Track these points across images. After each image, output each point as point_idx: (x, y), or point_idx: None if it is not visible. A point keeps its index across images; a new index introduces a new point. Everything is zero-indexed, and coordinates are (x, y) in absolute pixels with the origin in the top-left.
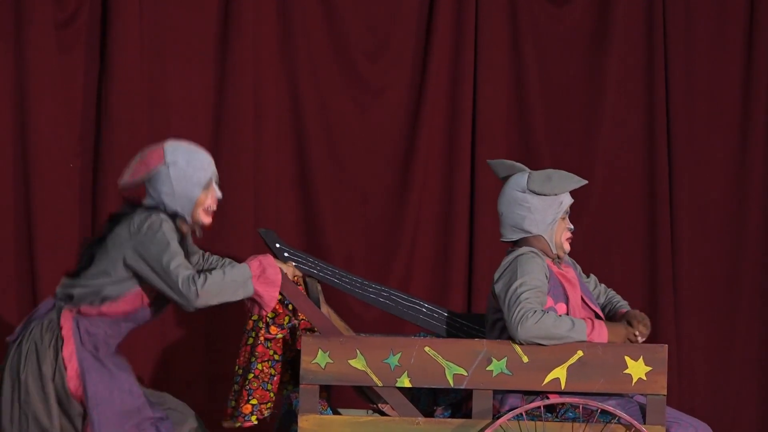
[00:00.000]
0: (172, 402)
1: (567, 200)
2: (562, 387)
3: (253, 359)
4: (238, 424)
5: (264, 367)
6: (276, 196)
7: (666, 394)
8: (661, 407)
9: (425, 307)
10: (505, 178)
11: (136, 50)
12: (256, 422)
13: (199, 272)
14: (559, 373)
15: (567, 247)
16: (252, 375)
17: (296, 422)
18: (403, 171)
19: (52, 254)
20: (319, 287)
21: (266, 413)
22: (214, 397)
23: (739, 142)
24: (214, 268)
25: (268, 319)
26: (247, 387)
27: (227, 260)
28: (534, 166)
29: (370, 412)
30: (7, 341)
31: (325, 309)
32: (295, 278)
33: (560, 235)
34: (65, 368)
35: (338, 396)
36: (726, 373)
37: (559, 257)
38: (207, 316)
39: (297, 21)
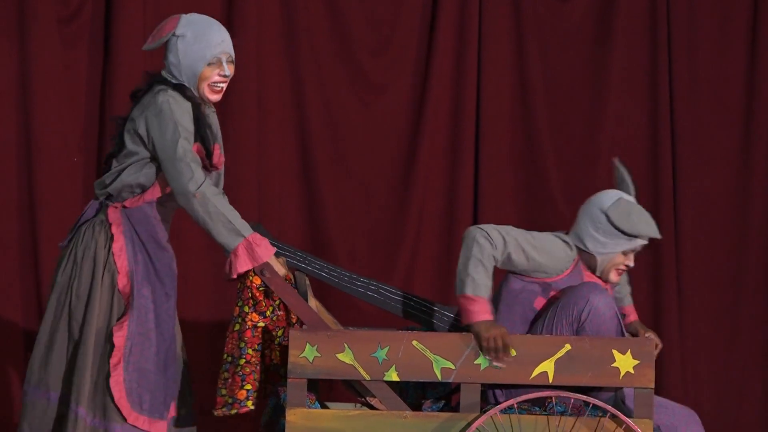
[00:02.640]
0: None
1: (639, 242)
2: (550, 380)
3: (243, 344)
4: (234, 411)
5: (254, 352)
6: (279, 192)
7: (654, 387)
8: (648, 400)
9: (413, 301)
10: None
11: (139, 46)
12: (252, 407)
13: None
14: (547, 366)
15: (613, 278)
16: (243, 360)
17: (284, 416)
18: (406, 167)
19: (55, 248)
20: (308, 281)
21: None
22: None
23: (743, 138)
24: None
25: (252, 304)
26: (240, 373)
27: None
28: (537, 161)
29: (359, 405)
30: (60, 247)
31: (312, 303)
32: (287, 276)
33: (612, 264)
34: (116, 267)
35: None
36: (730, 370)
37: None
38: (211, 308)
39: (300, 16)
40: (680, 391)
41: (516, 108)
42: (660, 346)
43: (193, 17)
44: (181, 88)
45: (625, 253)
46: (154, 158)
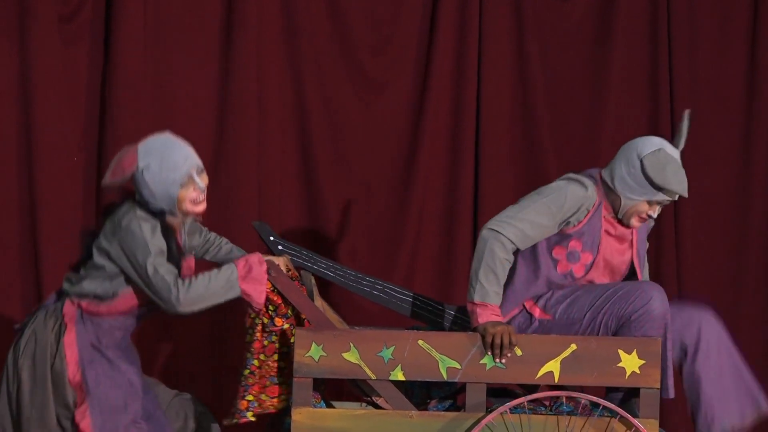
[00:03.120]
0: (167, 396)
1: (664, 196)
2: (556, 380)
3: (249, 355)
4: (235, 421)
5: (265, 362)
6: (279, 191)
7: (659, 387)
8: (654, 400)
9: (419, 300)
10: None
11: (140, 45)
12: (253, 419)
13: (184, 278)
14: (553, 366)
15: (635, 223)
16: (248, 371)
17: (290, 415)
18: (406, 166)
19: (55, 248)
20: (314, 280)
21: (269, 409)
22: (220, 390)
23: (743, 138)
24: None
25: (271, 312)
26: (243, 383)
27: (224, 240)
28: (538, 161)
29: (365, 405)
30: (15, 329)
31: (319, 302)
32: (291, 273)
33: (636, 211)
34: (65, 354)
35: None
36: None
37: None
38: (211, 308)
39: (300, 14)
40: (679, 389)
41: (516, 108)
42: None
43: (149, 144)
44: (154, 213)
45: (650, 203)
46: (118, 276)
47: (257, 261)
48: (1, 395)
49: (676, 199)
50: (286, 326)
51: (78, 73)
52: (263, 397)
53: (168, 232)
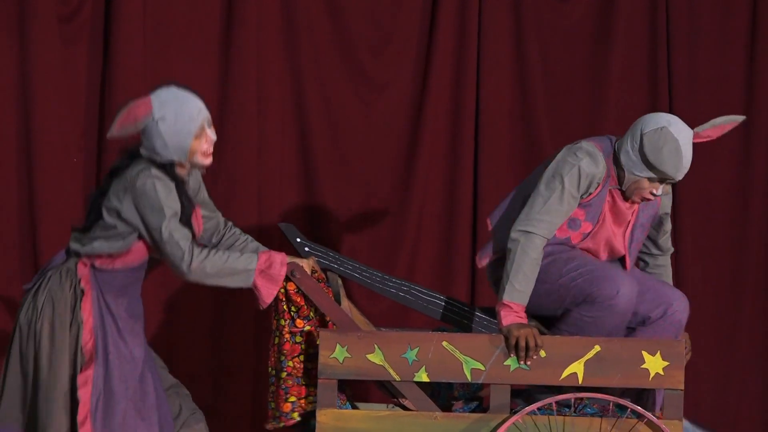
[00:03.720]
0: (167, 381)
1: (662, 176)
2: (580, 382)
3: (283, 358)
4: (282, 424)
5: (295, 363)
6: (280, 191)
7: (683, 388)
8: (678, 402)
9: (446, 302)
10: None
11: (140, 45)
12: (299, 419)
13: (204, 247)
14: (577, 368)
15: (636, 199)
16: (285, 374)
17: (315, 417)
18: (406, 165)
19: (56, 248)
20: (340, 282)
21: (309, 408)
22: (219, 390)
23: (743, 137)
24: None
25: (292, 313)
26: (283, 386)
27: (249, 238)
28: (537, 160)
29: (390, 406)
30: (24, 288)
31: (345, 303)
32: (317, 275)
33: (637, 187)
34: (82, 320)
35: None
36: (729, 369)
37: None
38: (212, 308)
39: (300, 15)
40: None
41: (516, 108)
42: (690, 350)
43: (163, 95)
44: (164, 167)
45: (650, 181)
46: (131, 234)
47: (280, 261)
48: (12, 356)
49: (675, 180)
50: (307, 328)
51: (78, 74)
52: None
53: (180, 187)
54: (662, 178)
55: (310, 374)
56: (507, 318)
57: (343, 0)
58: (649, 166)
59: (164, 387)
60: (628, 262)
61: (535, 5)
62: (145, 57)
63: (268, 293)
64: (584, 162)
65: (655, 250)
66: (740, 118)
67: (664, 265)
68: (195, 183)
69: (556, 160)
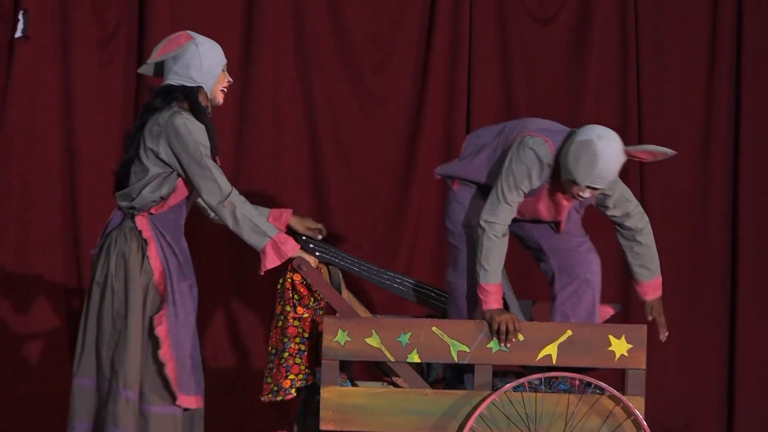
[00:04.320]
0: None
1: (574, 181)
2: (553, 362)
3: (286, 340)
4: (280, 398)
5: (296, 345)
6: (292, 191)
7: (645, 368)
8: (640, 380)
9: (434, 292)
10: None
11: None
12: (295, 394)
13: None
14: (551, 350)
15: (569, 194)
16: (287, 353)
17: (319, 393)
18: (405, 171)
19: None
20: (341, 275)
21: (300, 384)
22: (240, 368)
23: (703, 141)
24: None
25: (294, 301)
26: (284, 365)
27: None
28: None
29: (385, 384)
30: (92, 254)
31: (345, 293)
32: (319, 266)
33: (569, 186)
34: (152, 267)
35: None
36: (692, 351)
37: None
38: (232, 297)
39: (310, 37)
40: (647, 370)
41: (501, 116)
42: (666, 332)
43: (195, 33)
44: (192, 102)
45: (575, 184)
46: (171, 174)
47: (292, 246)
48: (90, 314)
49: (595, 187)
50: (305, 315)
51: (114, 90)
52: (295, 375)
53: (208, 129)
54: (583, 184)
55: (306, 355)
56: (488, 303)
57: (348, 23)
58: (567, 171)
59: None
60: (561, 228)
61: (519, 28)
62: None
63: (270, 262)
64: (530, 159)
65: (625, 232)
66: (671, 152)
67: (642, 254)
68: None
69: (510, 154)
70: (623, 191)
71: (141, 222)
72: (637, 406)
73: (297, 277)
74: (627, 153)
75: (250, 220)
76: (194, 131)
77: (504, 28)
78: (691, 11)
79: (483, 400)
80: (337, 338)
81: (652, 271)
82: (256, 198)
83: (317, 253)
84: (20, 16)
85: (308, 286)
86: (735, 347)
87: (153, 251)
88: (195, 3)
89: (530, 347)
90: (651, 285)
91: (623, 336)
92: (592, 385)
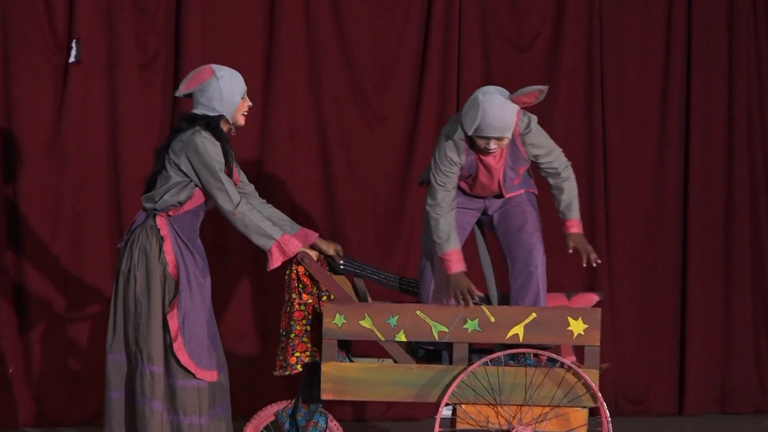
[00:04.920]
0: None
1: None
2: (521, 340)
3: (293, 322)
4: (287, 373)
5: (301, 327)
6: (306, 195)
7: (599, 345)
8: (595, 355)
9: (413, 283)
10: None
11: None
12: (301, 369)
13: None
14: (518, 330)
15: (480, 152)
16: (293, 334)
17: (320, 368)
18: (402, 177)
19: None
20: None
21: (306, 360)
22: (262, 346)
23: (657, 152)
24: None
25: (300, 289)
26: (291, 344)
27: (268, 206)
28: None
29: (377, 360)
30: (118, 247)
31: (341, 281)
32: (321, 259)
33: (475, 143)
34: (167, 260)
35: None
36: (647, 332)
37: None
38: (252, 283)
39: (322, 63)
40: (609, 342)
41: None
42: (595, 259)
43: (218, 65)
44: (210, 126)
45: (477, 138)
46: (190, 183)
47: (296, 245)
48: (118, 299)
49: (486, 136)
50: (309, 301)
51: (153, 107)
52: (301, 353)
53: (224, 145)
54: (479, 135)
55: (310, 335)
56: (449, 268)
57: (354, 52)
58: (466, 129)
59: None
60: (504, 192)
61: (501, 56)
62: None
63: (275, 261)
64: (445, 145)
65: (552, 181)
66: (545, 87)
67: (566, 200)
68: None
69: (437, 142)
70: (552, 149)
71: (160, 221)
72: (593, 378)
73: (301, 269)
74: (512, 100)
75: (257, 225)
76: (211, 149)
77: (488, 54)
78: (647, 37)
79: (460, 372)
80: (335, 321)
81: (573, 212)
82: (276, 198)
83: (341, 267)
84: (73, 44)
85: (311, 276)
86: (685, 329)
87: (168, 247)
88: (223, 33)
89: (500, 328)
90: (573, 223)
91: (580, 318)
92: (555, 361)
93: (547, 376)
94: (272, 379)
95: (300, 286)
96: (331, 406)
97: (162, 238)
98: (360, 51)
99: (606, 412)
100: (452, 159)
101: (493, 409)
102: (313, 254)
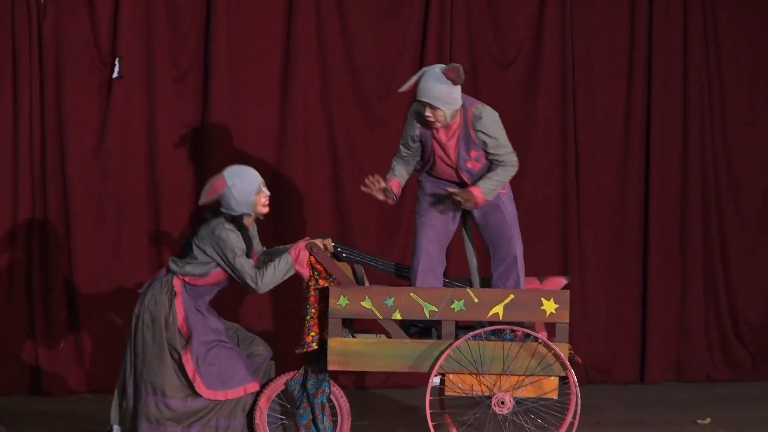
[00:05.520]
0: (245, 332)
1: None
2: (501, 318)
3: (308, 306)
4: (305, 350)
5: (316, 309)
6: (318, 192)
7: (568, 322)
8: (565, 331)
9: (406, 269)
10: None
11: (226, 98)
12: (316, 346)
13: (260, 268)
14: (498, 309)
15: (426, 120)
16: (309, 316)
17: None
18: None
19: (174, 230)
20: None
21: (324, 337)
22: (279, 329)
23: (622, 158)
24: (270, 261)
25: (315, 276)
26: (308, 325)
27: (280, 249)
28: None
29: (379, 335)
30: (138, 292)
31: (345, 268)
32: (328, 249)
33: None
34: (176, 312)
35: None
36: (614, 311)
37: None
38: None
39: (331, 76)
40: (581, 320)
41: None
42: (458, 197)
43: (231, 171)
44: (234, 219)
45: (419, 102)
46: (210, 263)
47: (303, 247)
48: (129, 338)
49: (424, 102)
50: (326, 285)
51: (185, 116)
52: (316, 332)
53: (244, 232)
54: (418, 99)
55: (324, 317)
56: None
57: (359, 65)
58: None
59: (242, 335)
60: (464, 177)
61: (486, 71)
62: (231, 105)
63: (304, 271)
64: (408, 121)
65: (493, 166)
66: (458, 66)
67: (489, 177)
68: (253, 230)
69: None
70: (502, 144)
71: (176, 281)
72: (563, 350)
73: (312, 258)
74: (443, 72)
75: (274, 270)
76: (233, 239)
77: (475, 70)
78: (614, 55)
79: (448, 346)
80: (340, 302)
81: (483, 182)
82: (291, 197)
83: (344, 255)
84: (116, 62)
85: (321, 263)
86: (646, 309)
87: (178, 301)
88: (246, 52)
89: (483, 307)
90: (475, 187)
91: (552, 299)
92: (530, 336)
93: (522, 349)
94: (286, 354)
95: (315, 273)
96: (336, 376)
97: (174, 293)
98: (365, 70)
99: (574, 378)
100: (408, 131)
101: (476, 378)
102: (320, 242)
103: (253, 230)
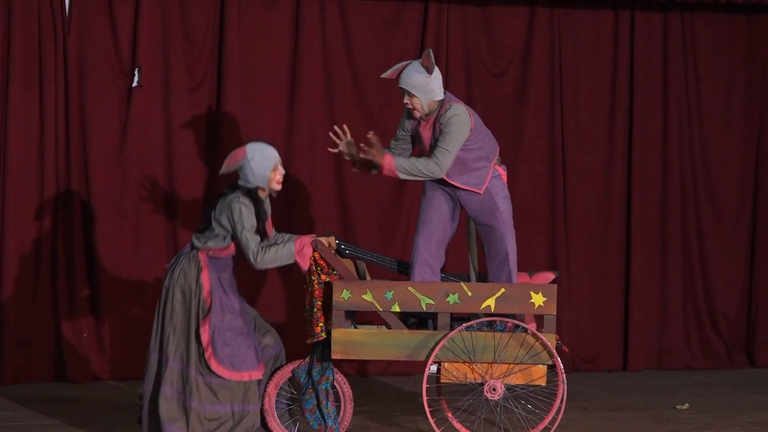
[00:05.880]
0: (261, 321)
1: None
2: (492, 310)
3: (314, 299)
4: (314, 339)
5: (322, 302)
6: (324, 194)
7: (555, 314)
8: (552, 323)
9: (405, 264)
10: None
11: (238, 106)
12: (324, 336)
13: (263, 247)
14: (490, 302)
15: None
16: (316, 309)
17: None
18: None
19: (189, 227)
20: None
21: (330, 328)
22: (288, 319)
23: (607, 162)
24: (275, 244)
25: (318, 271)
26: (315, 316)
27: (286, 236)
28: None
29: (380, 326)
30: (166, 267)
31: (350, 265)
32: (332, 246)
33: None
34: (203, 285)
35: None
36: (599, 303)
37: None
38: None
39: (335, 83)
40: (567, 311)
41: None
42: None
43: (253, 146)
44: (250, 192)
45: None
46: (228, 235)
47: (308, 242)
48: (159, 309)
49: (402, 89)
50: (328, 280)
51: (200, 124)
52: (324, 323)
53: (258, 203)
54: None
55: (330, 309)
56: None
57: (361, 74)
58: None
59: (259, 323)
60: (443, 176)
61: (479, 80)
62: (243, 109)
63: (304, 263)
64: (403, 116)
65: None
66: (428, 51)
67: (413, 157)
68: (267, 204)
69: None
70: (447, 141)
71: (201, 255)
72: (550, 340)
73: (317, 255)
74: (425, 58)
75: (275, 253)
76: (245, 213)
77: (470, 79)
78: (598, 65)
79: (443, 337)
80: (343, 295)
81: (396, 159)
82: (298, 196)
83: (347, 252)
84: (136, 71)
85: (324, 259)
86: (629, 301)
87: (205, 274)
88: (257, 63)
89: (476, 300)
90: (386, 155)
91: (540, 292)
92: (519, 327)
93: (512, 339)
94: (295, 343)
95: (318, 269)
96: (340, 364)
97: (201, 267)
98: (366, 73)
99: (560, 366)
100: (404, 126)
101: (470, 366)
102: (325, 240)
103: (267, 204)
